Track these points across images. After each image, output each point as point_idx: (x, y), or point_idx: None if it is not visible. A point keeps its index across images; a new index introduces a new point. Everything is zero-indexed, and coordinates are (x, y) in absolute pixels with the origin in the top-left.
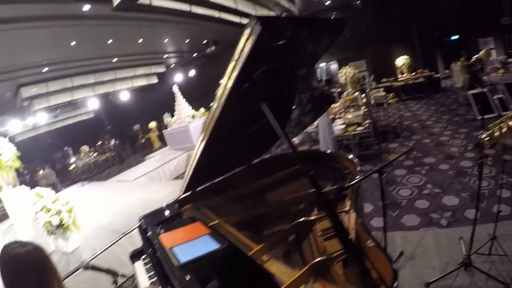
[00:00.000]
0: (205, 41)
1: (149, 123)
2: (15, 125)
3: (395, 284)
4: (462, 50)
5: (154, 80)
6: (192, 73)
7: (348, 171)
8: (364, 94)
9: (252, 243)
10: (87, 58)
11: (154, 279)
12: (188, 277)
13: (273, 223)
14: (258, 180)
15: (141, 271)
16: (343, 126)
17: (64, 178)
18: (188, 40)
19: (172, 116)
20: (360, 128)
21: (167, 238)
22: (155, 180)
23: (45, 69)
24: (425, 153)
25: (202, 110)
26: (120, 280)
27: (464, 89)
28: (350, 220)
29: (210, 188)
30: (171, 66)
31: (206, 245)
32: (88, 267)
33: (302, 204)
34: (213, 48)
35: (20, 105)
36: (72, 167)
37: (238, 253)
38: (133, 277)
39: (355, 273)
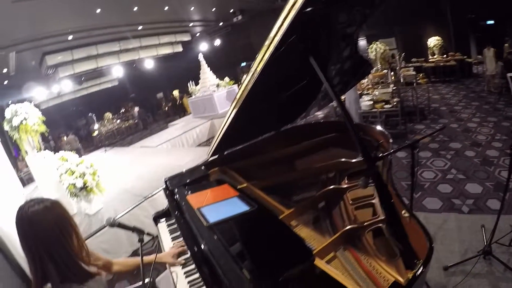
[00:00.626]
0: (232, 10)
1: (172, 91)
2: (40, 93)
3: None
4: (500, 35)
5: (179, 48)
6: (217, 42)
7: (379, 144)
8: (393, 72)
9: (282, 207)
10: (112, 25)
11: (178, 240)
12: (216, 237)
13: (302, 190)
14: (286, 147)
15: (164, 232)
16: (371, 102)
17: (88, 144)
18: (214, 8)
19: (196, 84)
20: (388, 106)
21: (194, 199)
22: (178, 147)
23: (70, 37)
24: (451, 138)
25: (226, 79)
26: (146, 238)
27: (496, 77)
28: None
29: (238, 152)
30: (197, 35)
31: (235, 206)
32: (114, 224)
33: (331, 172)
34: (239, 17)
35: (45, 73)
36: (95, 133)
37: (268, 216)
38: (157, 237)
39: (385, 244)
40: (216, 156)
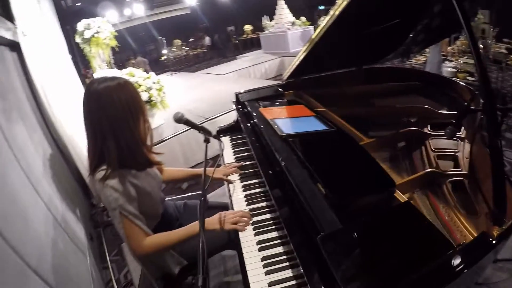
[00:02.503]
0: None
1: (244, 25)
2: (112, 15)
3: None
4: None
5: None
6: None
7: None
8: (482, 46)
9: (362, 135)
10: None
11: (240, 155)
12: (289, 148)
13: (380, 127)
14: (366, 85)
15: (227, 146)
16: (454, 70)
17: (155, 67)
18: None
19: (271, 20)
20: (471, 78)
21: (268, 112)
22: (245, 77)
23: None
24: None
25: (303, 18)
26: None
27: None
28: (465, 147)
29: (316, 80)
30: None
31: (312, 124)
32: (181, 120)
33: (414, 117)
34: None
35: None
36: (163, 58)
37: (348, 139)
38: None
39: (464, 199)
40: (292, 80)
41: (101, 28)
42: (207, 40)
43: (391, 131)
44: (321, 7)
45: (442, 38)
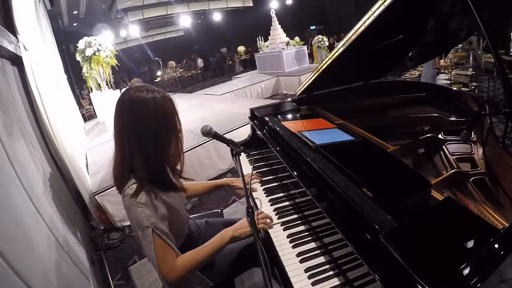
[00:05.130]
0: None
1: (237, 47)
2: (108, 37)
3: None
4: None
5: (250, 3)
6: (288, 1)
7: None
8: (472, 57)
9: (385, 143)
10: None
11: (259, 170)
12: (323, 158)
13: (396, 137)
14: (377, 98)
15: (244, 162)
16: (448, 82)
17: None
18: None
19: (265, 40)
20: (465, 89)
21: (291, 125)
22: (243, 97)
23: None
24: None
25: (297, 38)
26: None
27: None
28: (478, 150)
29: (327, 95)
30: None
31: (338, 135)
32: (210, 133)
33: (427, 126)
34: None
35: (114, 17)
36: (157, 79)
37: (376, 147)
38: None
39: (488, 194)
40: (305, 95)
41: (102, 47)
42: (199, 62)
43: (409, 139)
44: (313, 27)
45: (437, 54)
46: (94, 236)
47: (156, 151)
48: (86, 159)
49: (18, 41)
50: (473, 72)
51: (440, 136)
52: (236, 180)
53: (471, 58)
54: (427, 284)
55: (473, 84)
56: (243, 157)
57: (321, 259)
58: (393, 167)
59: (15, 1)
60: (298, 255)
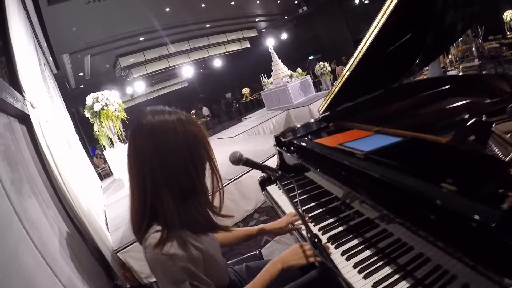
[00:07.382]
0: (296, 1)
1: (242, 89)
2: (115, 96)
3: None
4: None
5: (247, 44)
6: (284, 36)
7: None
8: (475, 47)
9: (433, 137)
10: (180, 24)
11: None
12: (377, 164)
13: (443, 128)
14: (402, 101)
15: (277, 194)
16: None
17: None
18: (279, 0)
19: (268, 77)
20: None
21: (326, 141)
22: (257, 136)
23: (141, 38)
24: None
25: (299, 70)
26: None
27: None
28: None
29: (351, 108)
30: (263, 30)
31: (382, 140)
32: (241, 160)
33: (465, 114)
34: (305, 8)
35: (119, 75)
36: None
37: (427, 142)
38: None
39: None
40: (328, 112)
41: (109, 101)
42: (204, 110)
43: (454, 130)
44: (311, 57)
45: (439, 53)
46: None
47: (185, 182)
48: (106, 217)
49: (25, 99)
50: (480, 62)
51: (484, 118)
52: (269, 224)
53: (474, 49)
54: None
55: (483, 73)
56: (275, 189)
57: (404, 284)
58: (461, 156)
59: (19, 61)
60: (373, 285)
